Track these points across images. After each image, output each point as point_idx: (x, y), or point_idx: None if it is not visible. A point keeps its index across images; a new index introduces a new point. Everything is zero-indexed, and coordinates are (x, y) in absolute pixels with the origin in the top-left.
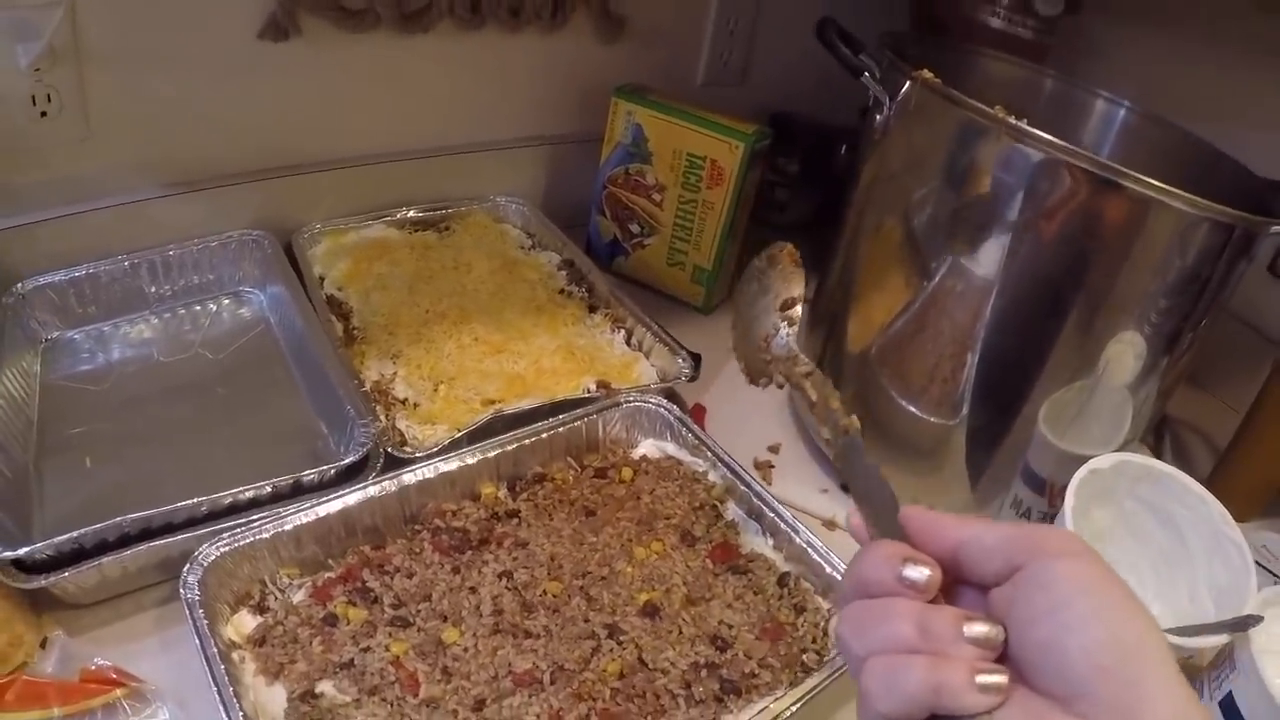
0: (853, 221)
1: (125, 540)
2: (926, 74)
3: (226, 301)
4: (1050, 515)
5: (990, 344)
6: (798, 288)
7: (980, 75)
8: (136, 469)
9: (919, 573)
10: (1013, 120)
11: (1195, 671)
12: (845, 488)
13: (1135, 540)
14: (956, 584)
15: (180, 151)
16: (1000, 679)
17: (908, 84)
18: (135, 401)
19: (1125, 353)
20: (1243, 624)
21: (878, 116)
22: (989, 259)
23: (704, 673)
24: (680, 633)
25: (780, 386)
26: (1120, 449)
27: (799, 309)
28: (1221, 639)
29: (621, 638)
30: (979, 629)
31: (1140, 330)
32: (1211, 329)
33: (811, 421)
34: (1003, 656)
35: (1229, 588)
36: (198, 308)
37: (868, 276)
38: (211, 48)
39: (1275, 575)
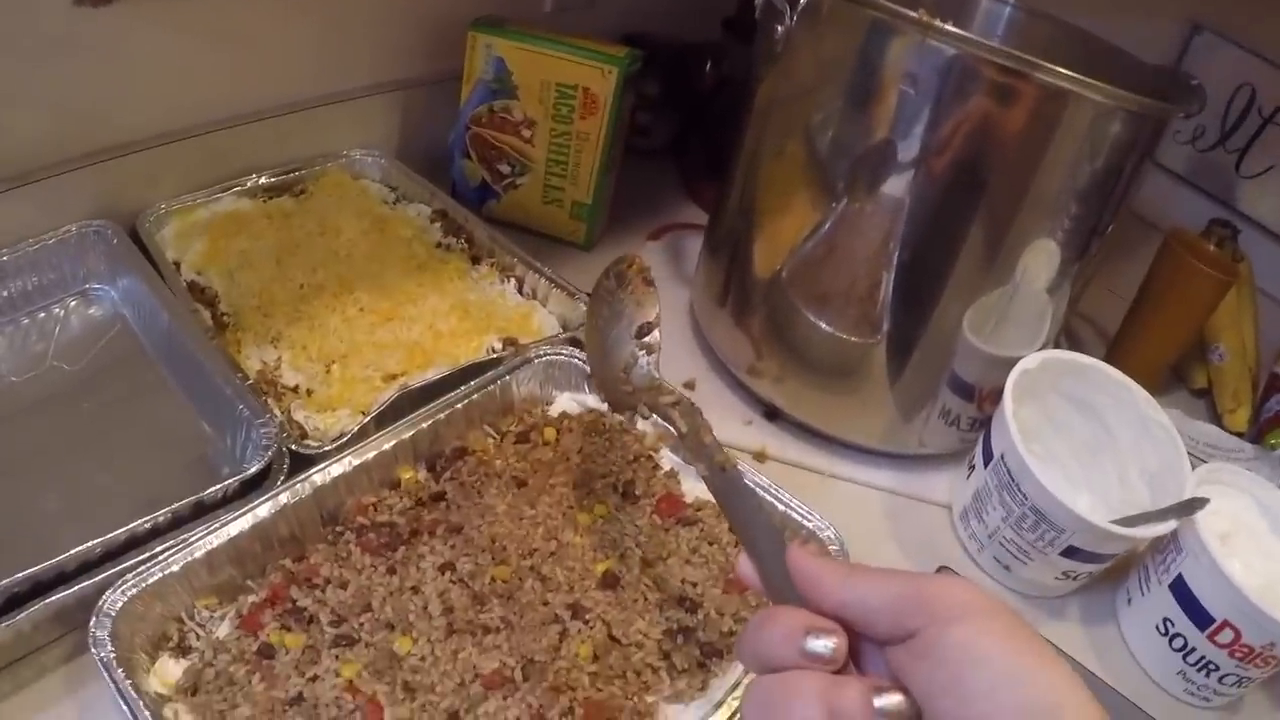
0: (752, 138)
1: (14, 601)
2: None
3: (74, 303)
4: (980, 420)
5: (907, 258)
6: (652, 309)
7: None
8: (8, 510)
9: (823, 645)
10: (939, 22)
11: (1134, 558)
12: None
13: (1058, 434)
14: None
15: None
16: None
17: None
18: None
19: (1041, 256)
20: (1189, 508)
21: (778, 28)
22: (903, 170)
23: (680, 639)
24: (646, 600)
25: (646, 418)
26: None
27: (657, 334)
28: (1170, 525)
29: (587, 616)
30: (891, 702)
31: (1055, 231)
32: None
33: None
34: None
35: (1161, 469)
36: (42, 314)
37: (771, 196)
38: (23, 21)
39: (1192, 455)
